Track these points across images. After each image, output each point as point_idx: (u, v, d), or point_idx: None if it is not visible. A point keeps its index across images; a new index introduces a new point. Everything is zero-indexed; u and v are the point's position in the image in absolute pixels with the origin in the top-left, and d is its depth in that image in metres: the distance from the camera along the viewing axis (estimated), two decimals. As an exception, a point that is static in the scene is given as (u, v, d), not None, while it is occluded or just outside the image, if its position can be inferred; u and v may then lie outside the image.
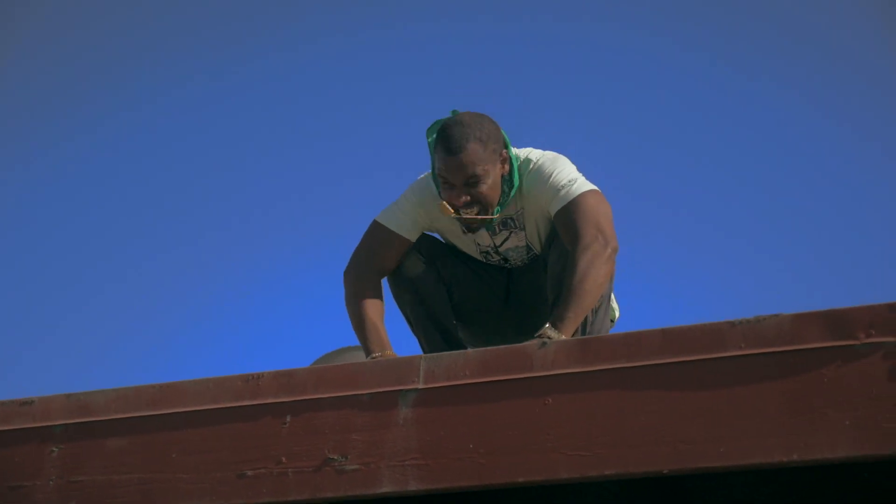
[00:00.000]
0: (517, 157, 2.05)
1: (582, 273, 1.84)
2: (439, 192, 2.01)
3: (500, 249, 2.12)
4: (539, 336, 1.76)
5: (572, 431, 1.30)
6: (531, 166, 2.04)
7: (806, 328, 1.25)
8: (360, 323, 2.01)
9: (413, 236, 2.10)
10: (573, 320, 1.84)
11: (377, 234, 2.11)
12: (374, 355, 1.92)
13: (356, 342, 2.29)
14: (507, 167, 2.00)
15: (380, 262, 2.09)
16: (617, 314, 2.23)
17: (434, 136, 2.00)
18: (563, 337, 1.77)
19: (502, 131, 2.03)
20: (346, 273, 2.10)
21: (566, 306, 1.83)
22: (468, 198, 1.94)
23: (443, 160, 1.95)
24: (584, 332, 1.94)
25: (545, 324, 1.93)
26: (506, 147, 2.01)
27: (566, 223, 1.94)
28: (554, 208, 1.97)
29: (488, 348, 1.42)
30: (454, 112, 2.02)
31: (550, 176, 2.01)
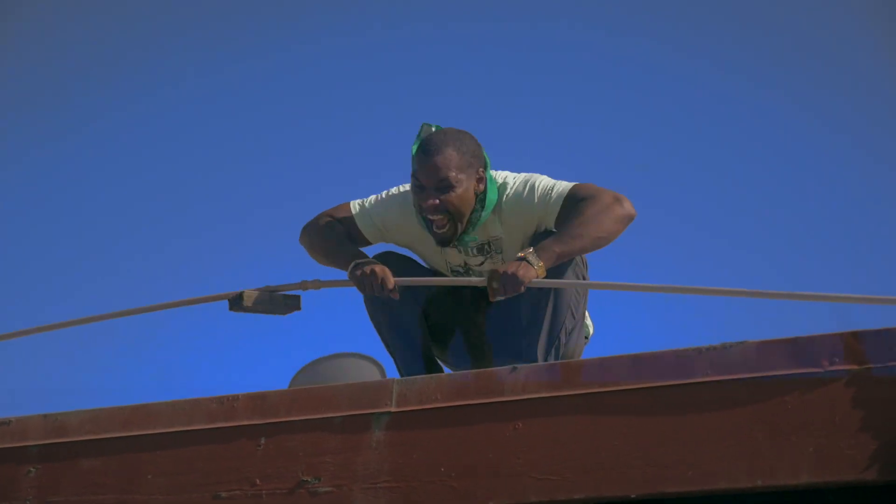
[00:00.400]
0: (494, 180, 2.07)
1: (588, 218, 1.85)
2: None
3: (475, 269, 2.14)
4: (520, 257, 1.82)
5: (542, 455, 1.31)
6: (509, 190, 2.05)
7: (771, 355, 1.27)
8: (330, 243, 2.05)
9: (373, 239, 2.14)
10: (557, 255, 1.86)
11: (341, 215, 2.13)
12: (357, 261, 1.96)
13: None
14: (482, 186, 2.01)
15: (343, 231, 2.13)
16: (591, 331, 2.25)
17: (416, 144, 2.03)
18: (541, 263, 1.81)
19: (484, 152, 2.05)
20: (306, 225, 2.14)
21: (558, 240, 1.85)
22: (437, 202, 1.95)
23: (418, 161, 1.98)
24: (557, 355, 1.97)
25: (525, 337, 1.96)
26: (485, 167, 2.02)
27: (577, 206, 1.93)
28: (553, 211, 1.97)
29: (460, 372, 1.44)
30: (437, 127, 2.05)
31: (533, 190, 2.02)
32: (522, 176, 2.09)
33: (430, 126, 2.06)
